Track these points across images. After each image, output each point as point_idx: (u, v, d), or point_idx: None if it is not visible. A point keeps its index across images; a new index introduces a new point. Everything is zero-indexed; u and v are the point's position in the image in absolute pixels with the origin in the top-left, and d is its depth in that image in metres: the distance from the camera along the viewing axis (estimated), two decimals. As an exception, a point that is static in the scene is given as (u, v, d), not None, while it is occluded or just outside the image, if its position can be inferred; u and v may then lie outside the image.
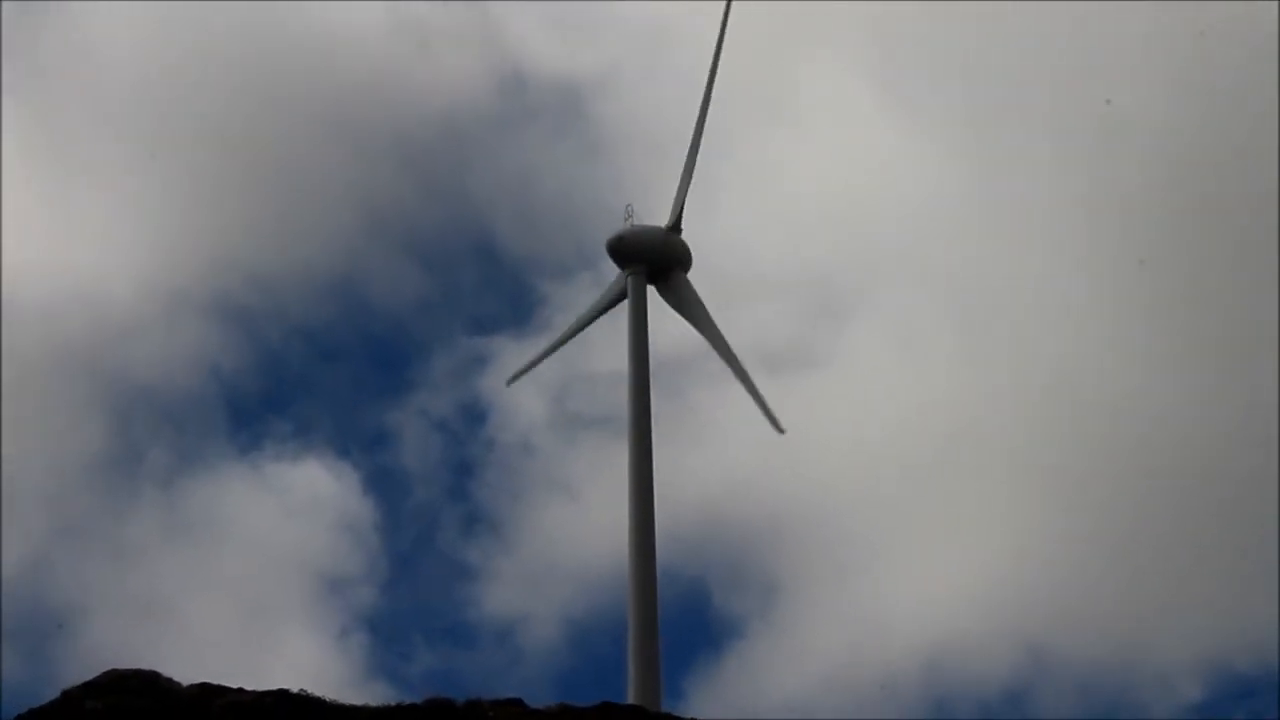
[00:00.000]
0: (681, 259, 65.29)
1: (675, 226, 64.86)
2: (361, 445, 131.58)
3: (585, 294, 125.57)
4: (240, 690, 38.33)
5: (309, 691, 38.09)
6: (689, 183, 64.86)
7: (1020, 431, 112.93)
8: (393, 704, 38.46)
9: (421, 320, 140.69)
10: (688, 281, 65.00)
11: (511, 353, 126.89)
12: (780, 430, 62.08)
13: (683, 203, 64.75)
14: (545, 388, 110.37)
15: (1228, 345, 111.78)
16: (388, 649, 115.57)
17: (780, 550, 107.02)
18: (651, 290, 64.65)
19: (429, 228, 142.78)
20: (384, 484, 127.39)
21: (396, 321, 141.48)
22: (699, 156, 64.82)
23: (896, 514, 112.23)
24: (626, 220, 65.13)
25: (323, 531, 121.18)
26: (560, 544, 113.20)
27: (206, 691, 38.35)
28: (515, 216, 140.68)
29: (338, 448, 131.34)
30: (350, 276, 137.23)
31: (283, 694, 37.99)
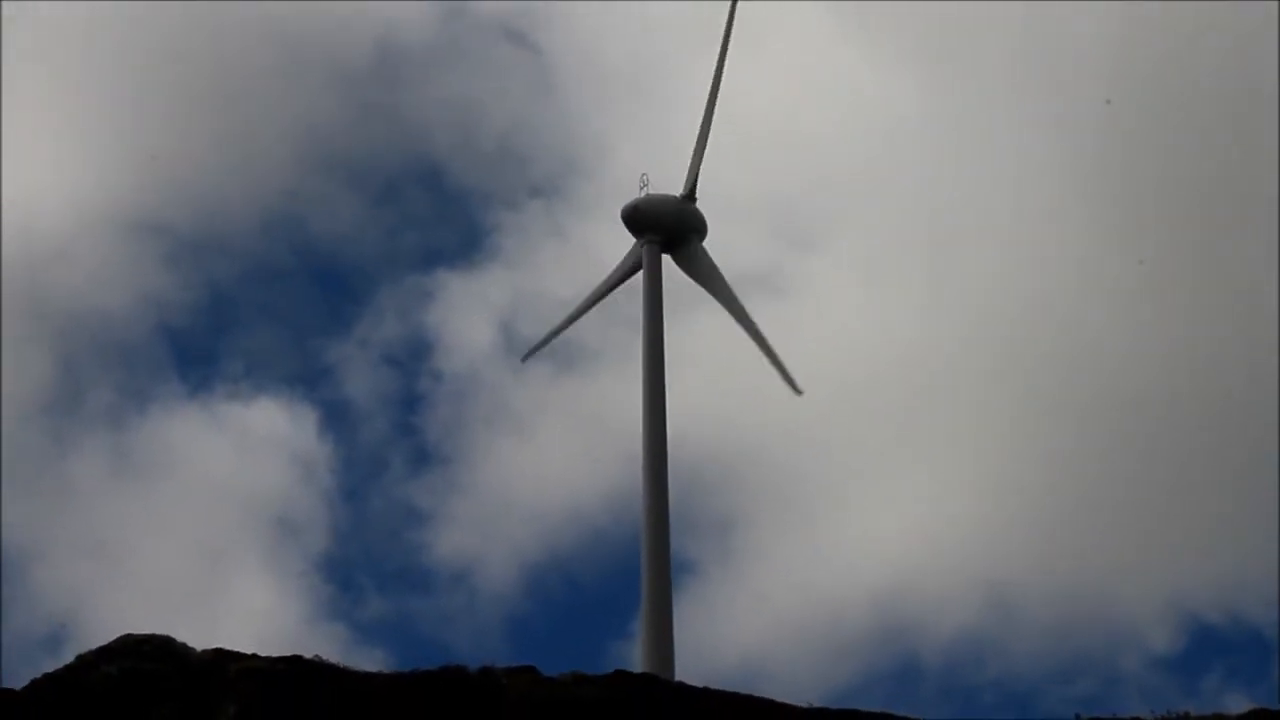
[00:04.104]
0: (697, 228, 64.84)
1: (690, 195, 64.56)
2: (308, 380, 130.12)
3: (537, 221, 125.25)
4: (254, 656, 38.62)
5: (322, 658, 38.38)
6: (704, 150, 64.46)
7: (986, 369, 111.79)
8: (405, 671, 38.73)
9: (365, 251, 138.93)
10: (704, 250, 64.60)
11: (459, 283, 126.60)
12: (798, 391, 61.82)
13: (698, 171, 64.35)
14: (493, 313, 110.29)
15: (1200, 285, 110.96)
16: (343, 593, 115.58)
17: (735, 489, 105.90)
18: (667, 260, 64.36)
19: (372, 157, 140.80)
20: (331, 422, 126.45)
21: (339, 252, 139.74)
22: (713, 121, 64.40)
23: (857, 451, 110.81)
24: (641, 189, 64.72)
25: (274, 471, 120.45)
26: (513, 481, 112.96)
27: (221, 657, 38.67)
28: (460, 146, 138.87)
29: (285, 382, 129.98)
30: (291, 206, 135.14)
31: (296, 659, 38.27)
